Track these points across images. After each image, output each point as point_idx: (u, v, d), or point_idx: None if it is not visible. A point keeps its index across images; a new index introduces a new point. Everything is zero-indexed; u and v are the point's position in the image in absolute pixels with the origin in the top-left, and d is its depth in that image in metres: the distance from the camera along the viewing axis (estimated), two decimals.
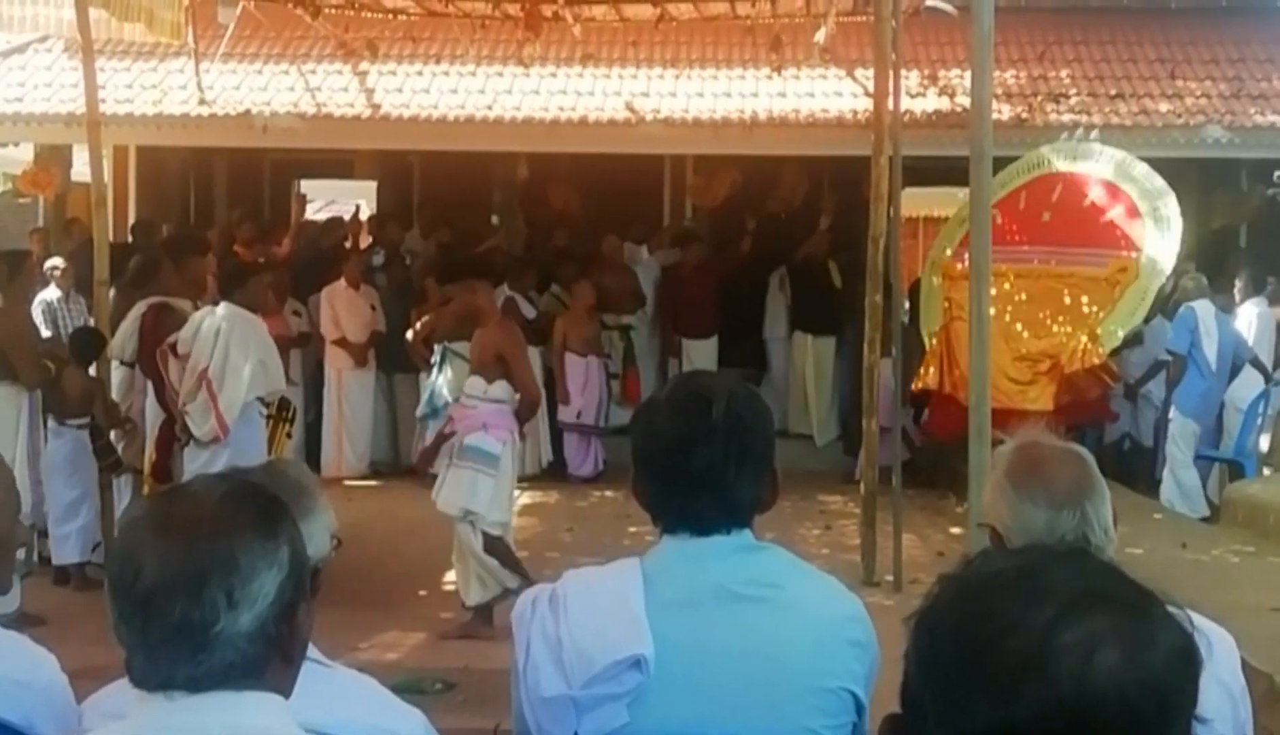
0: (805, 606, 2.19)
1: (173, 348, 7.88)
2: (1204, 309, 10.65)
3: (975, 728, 1.15)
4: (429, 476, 11.27)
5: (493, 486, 7.21)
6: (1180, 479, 10.67)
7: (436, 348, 11.03)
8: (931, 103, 12.13)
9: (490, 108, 12.13)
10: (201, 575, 1.60)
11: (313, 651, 2.03)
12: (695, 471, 2.18)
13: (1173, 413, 10.74)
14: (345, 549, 8.39)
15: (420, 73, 12.68)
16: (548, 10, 10.99)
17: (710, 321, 12.73)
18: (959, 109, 11.66)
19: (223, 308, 7.94)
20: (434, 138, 12.19)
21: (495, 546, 7.25)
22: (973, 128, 5.27)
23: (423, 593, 8.08)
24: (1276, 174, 9.28)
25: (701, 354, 12.59)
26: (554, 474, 11.76)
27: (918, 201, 17.43)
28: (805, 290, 12.71)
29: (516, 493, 11.28)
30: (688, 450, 2.19)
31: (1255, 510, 8.79)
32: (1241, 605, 6.52)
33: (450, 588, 8.00)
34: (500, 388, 7.31)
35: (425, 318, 11.43)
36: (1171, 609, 1.21)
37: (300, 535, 1.75)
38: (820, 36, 11.98)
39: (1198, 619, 2.45)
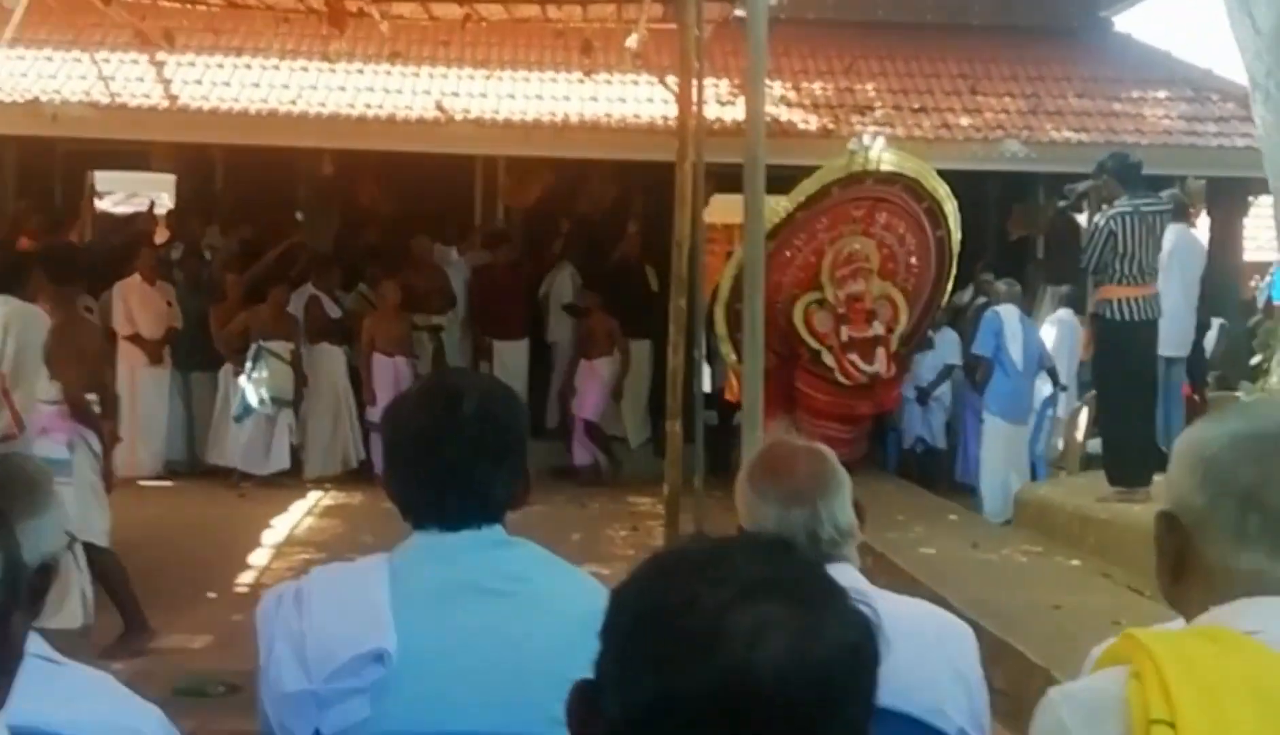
0: (553, 600, 2.17)
1: None
2: (1008, 312, 10.95)
3: (641, 700, 1.16)
4: (239, 478, 11.20)
5: (73, 494, 6.35)
6: (987, 481, 10.88)
7: (252, 346, 10.83)
8: (740, 111, 12.22)
9: (294, 102, 11.93)
10: None
11: (42, 648, 2.00)
12: (444, 466, 2.18)
13: (984, 414, 10.97)
14: (134, 550, 8.17)
15: (221, 65, 12.42)
16: (353, 6, 10.78)
17: (521, 324, 12.66)
18: (768, 118, 11.82)
19: (4, 304, 7.59)
20: (235, 131, 11.93)
21: (107, 569, 6.68)
22: (747, 136, 5.32)
23: (212, 595, 7.86)
24: (1066, 187, 9.55)
25: (512, 356, 12.52)
26: (363, 475, 11.55)
27: (731, 208, 17.63)
28: (619, 293, 12.72)
29: (319, 493, 11.19)
30: (436, 444, 2.18)
31: (1044, 511, 9.09)
32: (1026, 604, 6.74)
33: (242, 590, 7.81)
34: (56, 388, 6.89)
35: (243, 315, 11.24)
36: (860, 606, 1.23)
37: (15, 541, 1.61)
38: (632, 42, 12.01)
39: (937, 612, 2.50)
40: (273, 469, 11.51)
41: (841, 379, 10.48)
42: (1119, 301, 8.30)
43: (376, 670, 2.06)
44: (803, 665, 1.14)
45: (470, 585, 2.16)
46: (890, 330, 10.67)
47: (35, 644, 1.95)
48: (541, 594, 2.18)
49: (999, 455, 10.80)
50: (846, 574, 2.35)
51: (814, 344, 10.60)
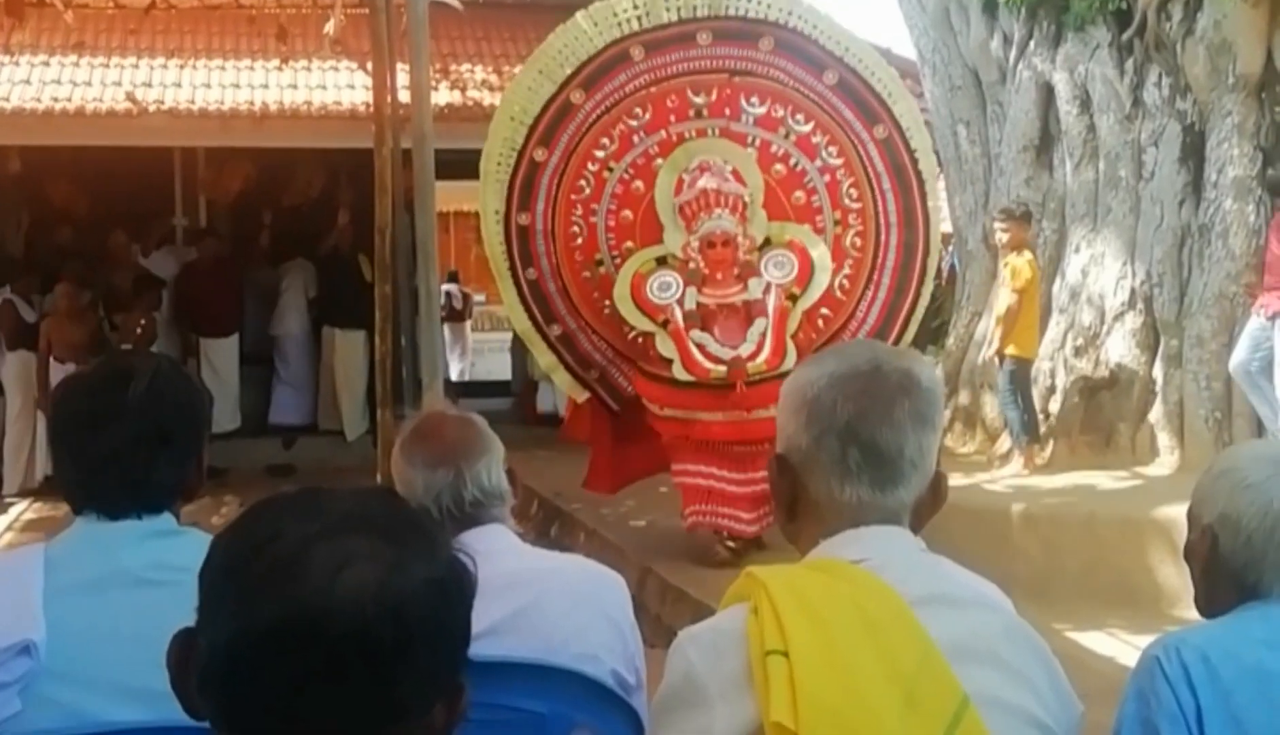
0: None
1: None
2: None
3: (226, 634, 1.15)
4: None
5: None
6: None
7: None
8: (444, 96, 12.29)
9: None
10: None
11: None
12: (104, 449, 2.10)
13: None
14: None
15: None
16: None
17: (230, 320, 12.42)
18: (469, 102, 11.92)
19: None
20: None
21: None
22: (413, 116, 5.33)
23: None
24: None
25: (221, 353, 12.28)
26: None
27: (450, 195, 17.60)
28: (332, 284, 12.61)
29: (20, 507, 10.73)
30: (99, 428, 2.10)
31: None
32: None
33: None
34: None
35: None
36: (452, 550, 1.25)
37: None
38: (329, 29, 11.91)
39: (589, 565, 2.67)
40: None
41: (680, 374, 6.78)
42: None
43: (24, 663, 1.97)
44: (382, 597, 1.15)
45: (127, 575, 2.07)
46: (791, 297, 6.91)
47: None
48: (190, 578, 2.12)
49: None
50: (497, 534, 2.48)
51: (645, 324, 6.95)
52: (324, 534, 1.17)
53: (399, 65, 9.01)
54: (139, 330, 11.29)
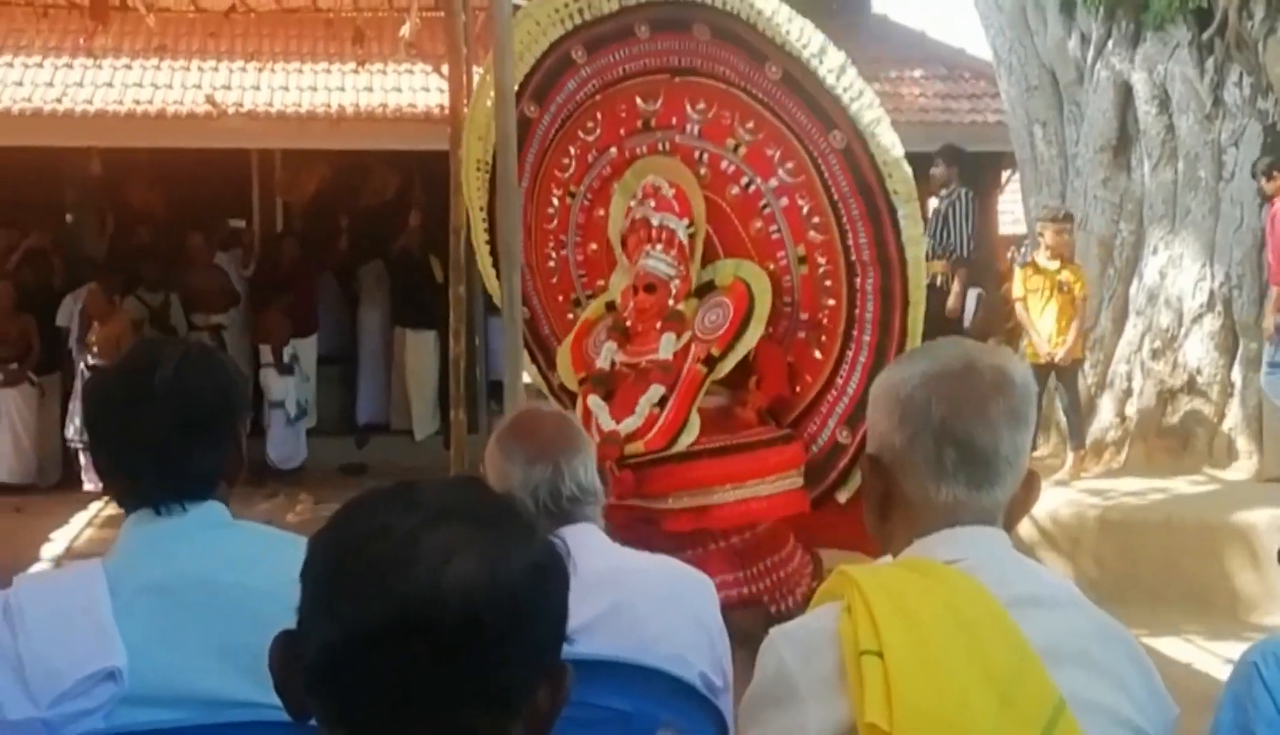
0: (282, 580, 2.01)
1: None
2: None
3: (338, 631, 1.17)
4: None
5: None
6: None
7: None
8: None
9: (60, 101, 11.53)
10: None
11: None
12: (137, 439, 2.07)
13: None
14: None
15: None
16: None
17: (308, 321, 12.55)
18: None
19: None
20: None
21: None
22: (497, 118, 5.20)
23: None
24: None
25: (301, 352, 12.42)
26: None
27: None
28: (403, 285, 12.73)
29: (99, 504, 10.88)
30: (128, 416, 2.07)
31: None
32: None
33: None
34: None
35: None
36: (546, 535, 1.28)
37: None
38: (405, 31, 12.03)
39: (678, 566, 2.68)
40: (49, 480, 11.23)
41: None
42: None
43: (108, 689, 1.95)
44: (492, 584, 1.18)
45: (188, 577, 2.04)
46: (709, 359, 5.55)
47: None
48: (268, 576, 1.97)
49: None
50: (589, 532, 2.50)
51: (571, 382, 6.04)
52: (426, 526, 1.19)
53: (475, 67, 9.06)
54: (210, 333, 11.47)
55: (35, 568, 8.64)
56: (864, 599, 1.60)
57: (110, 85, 11.85)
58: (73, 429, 10.95)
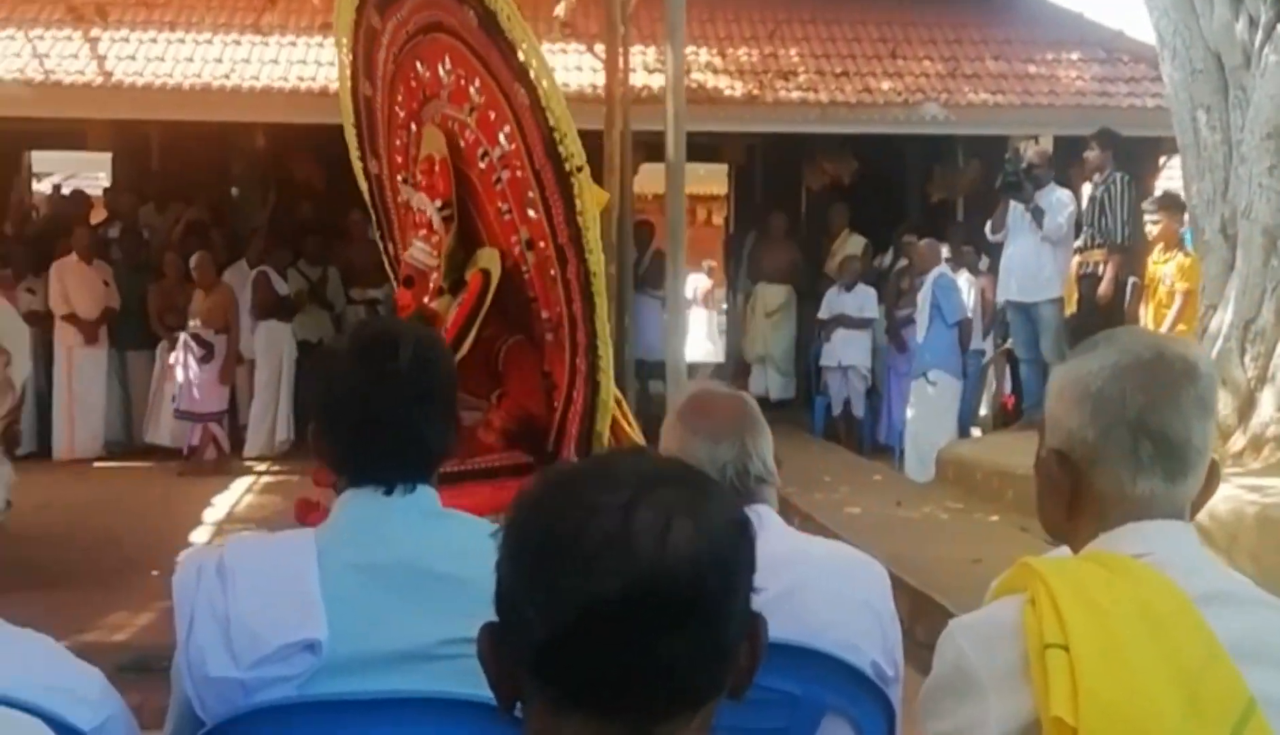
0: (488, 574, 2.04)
1: None
2: (953, 275, 11.25)
3: (566, 614, 1.18)
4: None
5: None
6: (913, 441, 10.99)
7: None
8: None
9: (228, 77, 11.89)
10: None
11: None
12: (380, 416, 2.12)
13: (926, 372, 11.00)
14: (74, 531, 8.17)
15: (155, 40, 12.31)
16: None
17: None
18: (693, 85, 12.01)
19: None
20: (169, 107, 11.83)
21: None
22: (667, 97, 5.11)
23: (155, 573, 7.97)
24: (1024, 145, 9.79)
25: None
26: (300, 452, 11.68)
27: (657, 178, 17.73)
28: None
29: (259, 470, 11.26)
30: (373, 394, 2.12)
31: (964, 469, 9.37)
32: (947, 558, 6.98)
33: None
34: None
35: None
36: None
37: None
38: (560, 10, 12.16)
39: (849, 551, 2.70)
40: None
41: None
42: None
43: (307, 659, 1.99)
44: (710, 545, 1.19)
45: (402, 562, 2.08)
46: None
47: None
48: (474, 574, 1.90)
49: (925, 414, 10.89)
50: (766, 514, 2.48)
51: None
52: (638, 498, 1.20)
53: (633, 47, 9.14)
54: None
55: (197, 530, 8.98)
56: (1049, 591, 1.59)
57: (275, 62, 12.17)
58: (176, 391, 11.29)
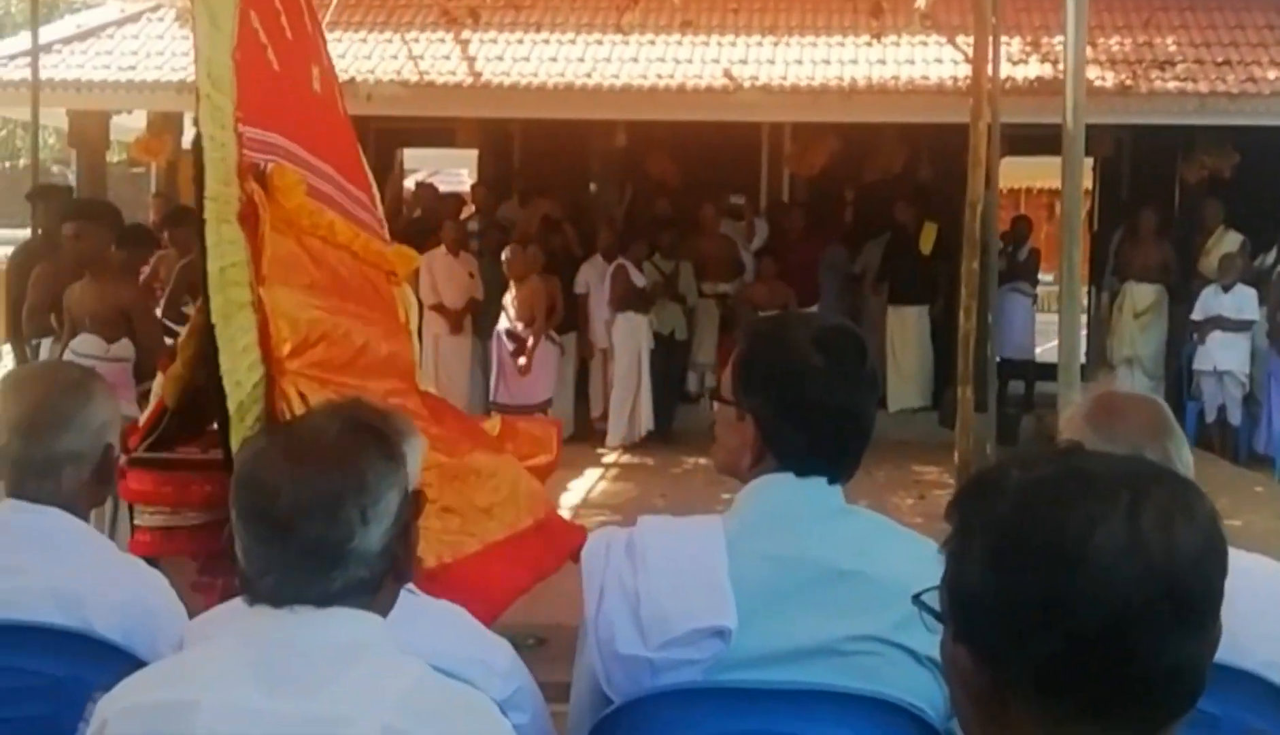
0: (894, 579, 2.00)
1: None
2: None
3: (1086, 625, 1.18)
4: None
5: None
6: None
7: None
8: (1033, 70, 11.98)
9: (589, 76, 12.19)
10: (337, 496, 1.72)
11: None
12: (846, 412, 2.16)
13: None
14: None
15: (521, 41, 12.75)
16: None
17: (811, 291, 12.71)
18: (1060, 76, 11.55)
19: None
20: (533, 106, 12.23)
21: None
22: (1065, 89, 5.07)
23: None
24: None
25: None
26: (655, 441, 11.93)
27: (1016, 172, 17.20)
28: (895, 261, 12.72)
29: (613, 458, 11.53)
30: (849, 391, 2.16)
31: None
32: None
33: None
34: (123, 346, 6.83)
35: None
36: None
37: (409, 460, 1.86)
38: (921, 2, 11.93)
39: (1275, 566, 2.48)
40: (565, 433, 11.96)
41: None
42: None
43: (715, 645, 2.01)
44: (1207, 540, 1.21)
45: (810, 556, 2.08)
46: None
47: None
48: (881, 572, 2.07)
49: None
50: None
51: None
52: (1138, 502, 1.20)
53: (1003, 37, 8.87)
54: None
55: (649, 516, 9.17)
56: None
57: (635, 60, 12.41)
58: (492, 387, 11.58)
